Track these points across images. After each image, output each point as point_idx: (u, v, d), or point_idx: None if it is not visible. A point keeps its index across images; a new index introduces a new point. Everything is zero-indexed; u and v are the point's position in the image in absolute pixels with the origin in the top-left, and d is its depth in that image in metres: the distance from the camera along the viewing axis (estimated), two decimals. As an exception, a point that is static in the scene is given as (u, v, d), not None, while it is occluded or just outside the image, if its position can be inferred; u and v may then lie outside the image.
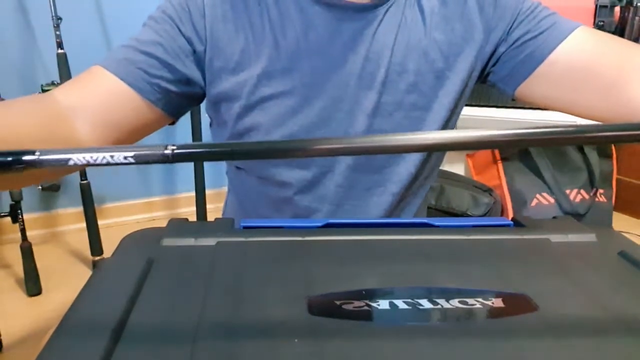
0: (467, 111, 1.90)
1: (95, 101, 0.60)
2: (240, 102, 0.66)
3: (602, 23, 1.60)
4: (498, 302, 0.41)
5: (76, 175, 1.71)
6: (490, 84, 0.73)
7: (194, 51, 0.64)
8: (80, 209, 1.74)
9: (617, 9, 1.60)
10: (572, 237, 0.52)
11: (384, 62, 0.66)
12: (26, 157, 0.28)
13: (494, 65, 0.70)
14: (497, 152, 1.78)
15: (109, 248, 1.73)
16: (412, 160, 0.71)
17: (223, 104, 0.68)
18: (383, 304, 0.40)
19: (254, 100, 0.66)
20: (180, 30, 0.63)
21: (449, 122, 0.72)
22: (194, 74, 0.65)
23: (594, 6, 1.60)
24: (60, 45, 1.56)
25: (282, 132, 0.67)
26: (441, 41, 0.67)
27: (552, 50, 0.64)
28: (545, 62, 0.64)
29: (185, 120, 1.97)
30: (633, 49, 0.61)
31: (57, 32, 1.55)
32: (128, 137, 0.64)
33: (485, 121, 1.76)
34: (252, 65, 0.65)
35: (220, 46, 0.65)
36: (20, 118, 0.52)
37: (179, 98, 0.66)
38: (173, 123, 0.69)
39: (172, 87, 0.64)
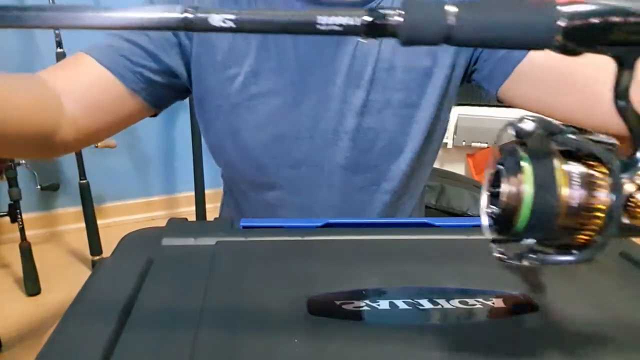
0: (467, 111, 1.90)
1: (79, 86, 0.60)
2: (229, 100, 0.66)
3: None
4: (498, 303, 0.41)
5: (75, 175, 1.71)
6: (475, 84, 0.73)
7: (179, 43, 0.64)
8: (80, 208, 1.74)
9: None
10: (573, 237, 0.52)
11: (371, 59, 0.66)
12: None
13: (475, 63, 0.70)
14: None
15: (108, 248, 1.72)
16: (404, 159, 0.70)
17: (210, 101, 0.68)
18: (383, 304, 0.40)
19: (243, 98, 0.66)
20: None
21: (438, 119, 0.71)
22: (178, 66, 0.65)
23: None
24: (59, 44, 1.56)
25: (272, 131, 0.67)
26: None
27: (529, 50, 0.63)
28: (523, 62, 0.64)
29: (185, 117, 1.97)
30: None
31: (56, 31, 1.55)
32: (108, 126, 0.63)
33: (485, 120, 1.76)
34: (240, 62, 0.65)
35: (209, 41, 0.65)
36: (15, 87, 0.52)
37: (163, 89, 0.66)
38: (155, 115, 0.69)
39: (156, 77, 0.64)
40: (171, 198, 2.29)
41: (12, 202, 1.57)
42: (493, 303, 0.40)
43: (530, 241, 0.29)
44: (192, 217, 1.07)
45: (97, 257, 1.72)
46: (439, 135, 0.75)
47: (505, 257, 0.30)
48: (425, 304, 0.40)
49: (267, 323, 0.38)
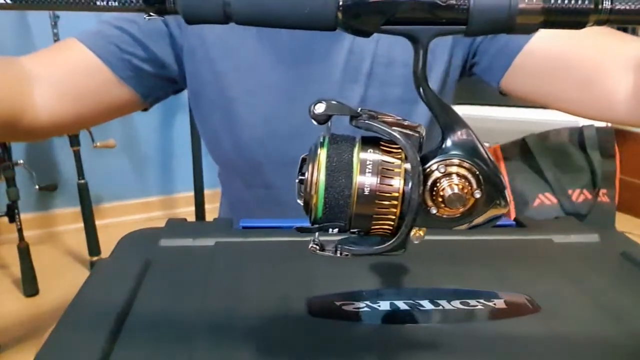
0: (467, 110, 1.90)
1: (61, 70, 0.60)
2: (223, 94, 0.66)
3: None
4: (500, 304, 0.40)
5: (74, 175, 1.70)
6: (476, 77, 0.72)
7: (170, 34, 0.64)
8: (78, 209, 1.73)
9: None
10: (575, 238, 0.52)
11: (368, 54, 0.65)
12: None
13: (474, 56, 0.69)
14: (499, 151, 1.77)
15: (106, 248, 1.72)
16: None
17: (205, 96, 0.68)
18: (384, 305, 0.40)
19: (238, 92, 0.65)
20: None
21: None
22: (167, 56, 0.65)
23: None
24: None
25: (267, 128, 0.66)
26: None
27: (527, 40, 0.63)
28: (522, 52, 0.63)
29: (184, 117, 1.97)
30: (613, 39, 0.59)
31: (55, 30, 1.54)
32: (91, 113, 0.63)
33: (485, 120, 1.76)
34: (234, 56, 0.65)
35: (198, 33, 0.64)
36: None
37: (153, 79, 0.65)
38: (146, 109, 0.68)
39: (144, 66, 0.63)
40: (169, 198, 2.28)
41: (10, 202, 1.57)
42: (494, 304, 0.40)
43: (334, 230, 0.29)
44: (190, 218, 1.06)
45: (96, 258, 1.72)
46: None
47: (317, 247, 0.30)
48: (426, 305, 0.40)
49: (267, 324, 0.37)
